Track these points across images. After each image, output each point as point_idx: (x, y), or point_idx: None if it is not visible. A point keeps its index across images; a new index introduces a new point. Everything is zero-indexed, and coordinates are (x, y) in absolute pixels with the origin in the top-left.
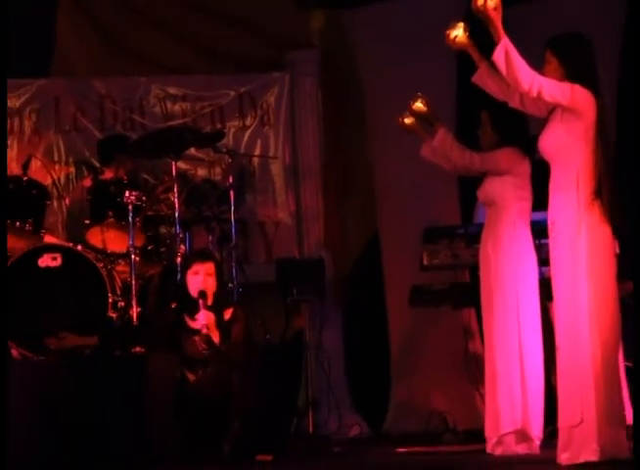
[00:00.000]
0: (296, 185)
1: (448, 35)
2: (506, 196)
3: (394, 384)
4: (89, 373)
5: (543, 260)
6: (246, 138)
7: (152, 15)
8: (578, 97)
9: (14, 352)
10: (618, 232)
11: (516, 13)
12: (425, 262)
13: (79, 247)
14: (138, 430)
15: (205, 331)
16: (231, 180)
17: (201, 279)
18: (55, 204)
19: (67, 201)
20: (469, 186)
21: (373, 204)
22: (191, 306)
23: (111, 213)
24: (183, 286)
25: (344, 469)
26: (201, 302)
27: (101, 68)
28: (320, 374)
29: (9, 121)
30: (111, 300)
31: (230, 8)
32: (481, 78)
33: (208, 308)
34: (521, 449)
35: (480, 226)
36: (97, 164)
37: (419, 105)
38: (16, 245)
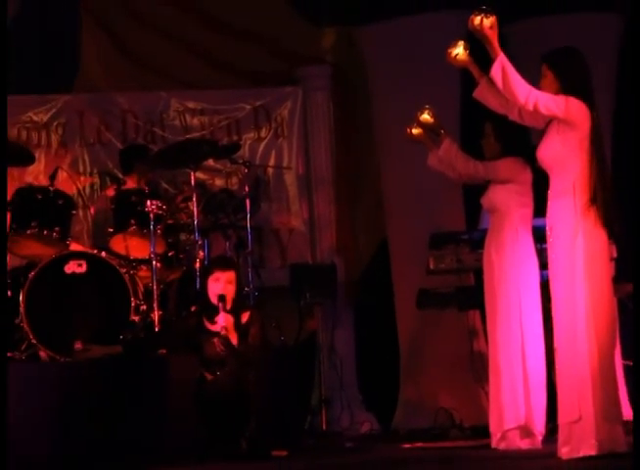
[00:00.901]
0: (308, 194)
1: (449, 53)
2: (509, 203)
3: (403, 382)
4: (114, 375)
5: (544, 264)
6: (261, 149)
7: (171, 32)
8: (573, 109)
9: (42, 354)
10: (615, 236)
11: (512, 30)
12: (431, 267)
13: (103, 253)
14: (160, 428)
15: (223, 332)
16: (247, 190)
17: (221, 286)
18: (80, 213)
19: (91, 210)
20: (473, 193)
21: (382, 211)
22: (210, 311)
23: (133, 222)
24: (204, 291)
25: (356, 463)
26: (220, 305)
27: (122, 83)
28: (332, 374)
29: (37, 135)
30: (133, 304)
31: (245, 25)
32: (482, 94)
33: (227, 312)
34: (524, 444)
35: (484, 232)
36: (120, 176)
37: (426, 116)
38: (43, 252)
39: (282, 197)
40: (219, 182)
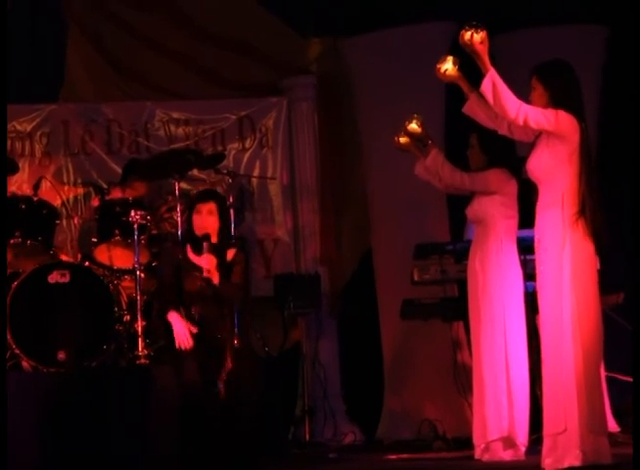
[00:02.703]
0: (293, 204)
1: (439, 69)
2: (494, 214)
3: (387, 393)
4: (97, 386)
5: (529, 276)
6: (245, 160)
7: (156, 42)
8: (562, 122)
9: (25, 365)
10: (600, 248)
11: (502, 41)
12: (415, 278)
13: (87, 264)
14: (143, 440)
15: (205, 274)
16: (231, 200)
17: (203, 218)
18: (64, 223)
19: (75, 220)
20: (458, 204)
21: (367, 222)
22: (195, 245)
23: (117, 232)
24: (189, 227)
25: None
26: (204, 244)
27: (108, 93)
28: (316, 384)
29: (20, 145)
30: (117, 314)
31: (231, 35)
32: (471, 109)
33: (211, 250)
34: (507, 456)
35: (469, 243)
36: (104, 186)
37: (414, 126)
38: (27, 262)
39: (266, 207)
40: None
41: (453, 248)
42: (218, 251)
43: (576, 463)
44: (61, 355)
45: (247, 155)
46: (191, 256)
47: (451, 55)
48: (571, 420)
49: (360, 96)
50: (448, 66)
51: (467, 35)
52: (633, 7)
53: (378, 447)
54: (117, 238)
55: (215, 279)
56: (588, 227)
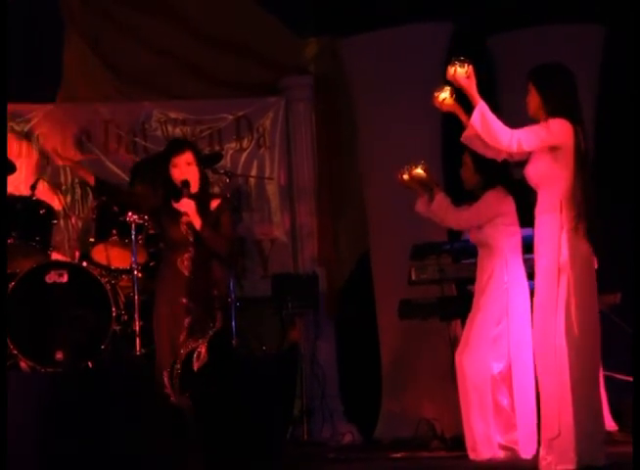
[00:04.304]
0: (291, 204)
1: (436, 98)
2: (496, 236)
3: (385, 393)
4: (94, 386)
5: (530, 275)
6: (243, 160)
7: (153, 43)
8: (554, 133)
9: (22, 365)
10: (598, 251)
11: (496, 41)
12: (413, 277)
13: (84, 263)
14: (140, 440)
15: (185, 219)
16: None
17: (181, 170)
18: (62, 223)
19: (72, 220)
20: (456, 203)
21: (364, 221)
22: (176, 194)
23: (114, 232)
24: (168, 179)
25: None
26: (184, 191)
27: (104, 94)
28: (314, 384)
29: (18, 145)
30: (114, 314)
31: (228, 35)
32: (468, 139)
33: (190, 197)
34: (504, 455)
35: (466, 243)
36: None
37: (419, 171)
38: (24, 262)
39: (264, 207)
40: None
41: (451, 247)
42: (200, 200)
43: (571, 467)
44: (58, 355)
45: (244, 155)
46: (172, 202)
47: (448, 85)
48: (565, 425)
49: (358, 96)
50: (445, 95)
51: (451, 71)
52: (632, 6)
53: (376, 447)
54: (115, 238)
55: (197, 224)
56: (586, 231)
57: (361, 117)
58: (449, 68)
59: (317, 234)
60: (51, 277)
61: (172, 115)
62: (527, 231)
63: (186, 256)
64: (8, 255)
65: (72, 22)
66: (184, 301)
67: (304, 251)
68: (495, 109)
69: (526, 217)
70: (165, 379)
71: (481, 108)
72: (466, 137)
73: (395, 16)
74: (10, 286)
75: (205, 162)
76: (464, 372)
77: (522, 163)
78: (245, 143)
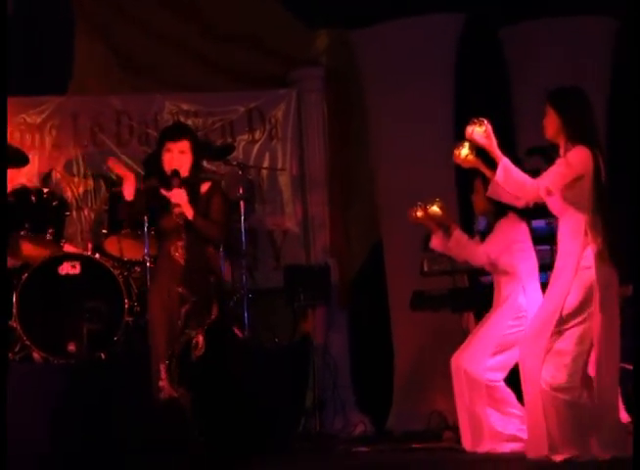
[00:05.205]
0: (302, 195)
1: (457, 154)
2: (513, 263)
3: (397, 384)
4: (107, 376)
5: (542, 266)
6: (255, 151)
7: (164, 35)
8: (575, 165)
9: (35, 356)
10: (621, 271)
11: (509, 32)
12: (425, 269)
13: (97, 255)
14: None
15: (177, 210)
16: (241, 191)
17: (172, 157)
18: (74, 215)
19: (85, 212)
20: (467, 195)
21: (376, 212)
22: (166, 181)
23: (127, 224)
24: (159, 162)
25: (350, 466)
26: (173, 181)
27: (115, 86)
28: (326, 375)
29: (30, 137)
30: (127, 305)
31: (239, 28)
32: (495, 192)
33: (181, 185)
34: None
35: (478, 234)
36: (114, 178)
37: (435, 209)
38: (37, 253)
39: (276, 199)
40: None
41: None
42: (190, 185)
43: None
44: (71, 347)
45: (256, 146)
46: (163, 191)
47: (467, 141)
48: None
49: (368, 87)
50: (465, 151)
51: (469, 131)
52: None
53: (388, 439)
54: (127, 230)
55: (189, 214)
56: (610, 255)
57: (372, 108)
58: (467, 127)
59: (329, 225)
60: (64, 269)
61: (184, 106)
62: (539, 223)
63: (179, 244)
64: (22, 246)
65: (83, 14)
66: (180, 290)
67: (316, 242)
68: (507, 101)
69: (536, 209)
70: (162, 371)
71: (505, 165)
72: (492, 192)
73: (407, 7)
74: (23, 277)
75: (217, 154)
76: (458, 367)
77: (533, 151)
78: (257, 135)
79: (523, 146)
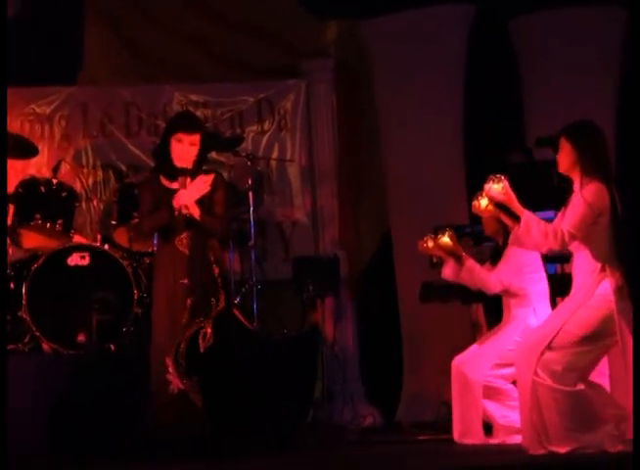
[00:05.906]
0: (312, 187)
1: (476, 206)
2: (524, 286)
3: (406, 376)
4: (116, 367)
5: (549, 258)
6: (264, 142)
7: (174, 26)
8: (594, 204)
9: (45, 347)
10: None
11: (520, 23)
12: (434, 260)
13: (106, 246)
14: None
15: (184, 211)
16: (250, 183)
17: (184, 148)
18: (84, 205)
19: (94, 203)
20: (477, 187)
21: (385, 204)
22: (170, 171)
23: (136, 215)
24: (166, 148)
25: (360, 457)
26: (180, 179)
27: (125, 77)
28: (335, 367)
29: (40, 127)
30: (136, 296)
31: (249, 18)
32: (517, 241)
33: (185, 174)
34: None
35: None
36: (123, 168)
37: (446, 239)
38: (46, 244)
39: (285, 190)
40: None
41: (472, 230)
42: (193, 176)
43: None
44: (80, 338)
45: (265, 137)
46: (166, 183)
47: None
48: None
49: (378, 78)
50: (485, 202)
51: (486, 188)
52: None
53: (397, 430)
54: (136, 220)
55: (196, 214)
56: (629, 290)
57: (381, 99)
58: (485, 185)
59: (338, 217)
60: (73, 260)
61: (193, 97)
62: (548, 214)
63: (184, 234)
64: (32, 236)
65: (93, 5)
66: (185, 281)
67: (325, 233)
68: (516, 90)
69: (545, 200)
70: (169, 363)
71: (527, 220)
72: (514, 240)
73: None
74: (33, 268)
75: (227, 144)
76: (459, 371)
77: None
78: (266, 125)
79: (532, 137)
